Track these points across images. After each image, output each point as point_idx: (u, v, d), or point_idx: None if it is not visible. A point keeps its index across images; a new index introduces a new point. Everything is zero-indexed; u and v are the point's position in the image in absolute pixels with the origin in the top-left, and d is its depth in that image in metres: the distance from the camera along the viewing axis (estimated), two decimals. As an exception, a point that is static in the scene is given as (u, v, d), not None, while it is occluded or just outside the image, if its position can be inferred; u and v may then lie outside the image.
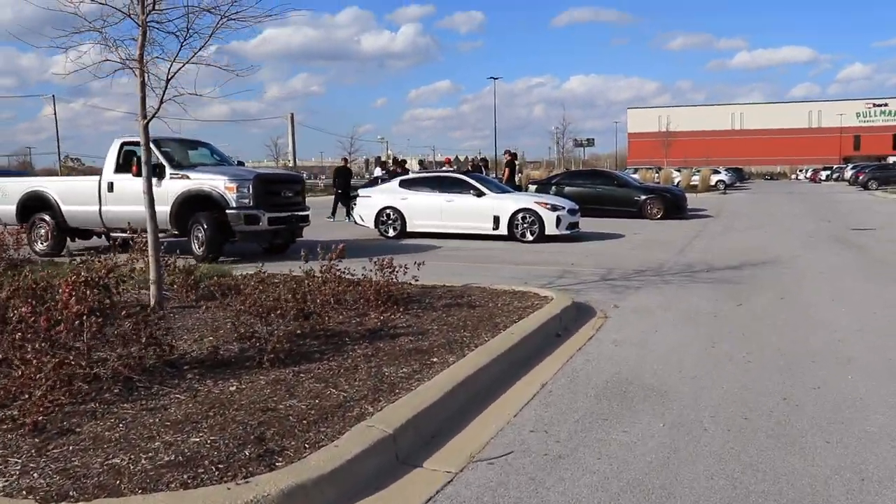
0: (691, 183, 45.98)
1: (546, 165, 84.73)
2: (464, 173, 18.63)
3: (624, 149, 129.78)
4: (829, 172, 78.55)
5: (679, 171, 52.03)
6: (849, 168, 67.46)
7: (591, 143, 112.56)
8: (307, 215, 14.86)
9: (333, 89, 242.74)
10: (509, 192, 18.68)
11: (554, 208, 16.79)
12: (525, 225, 16.79)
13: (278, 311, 6.27)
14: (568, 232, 16.94)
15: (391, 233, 18.04)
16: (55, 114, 67.98)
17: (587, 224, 21.00)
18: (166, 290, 8.48)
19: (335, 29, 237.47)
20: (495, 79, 79.85)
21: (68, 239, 15.64)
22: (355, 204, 19.61)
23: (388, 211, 18.11)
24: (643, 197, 24.13)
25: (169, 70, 7.34)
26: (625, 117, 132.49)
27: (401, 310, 7.68)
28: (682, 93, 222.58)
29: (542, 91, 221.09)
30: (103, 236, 15.23)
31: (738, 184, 64.47)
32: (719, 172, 55.30)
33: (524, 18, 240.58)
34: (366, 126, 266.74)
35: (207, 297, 8.62)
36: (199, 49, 7.29)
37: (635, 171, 52.00)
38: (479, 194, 17.30)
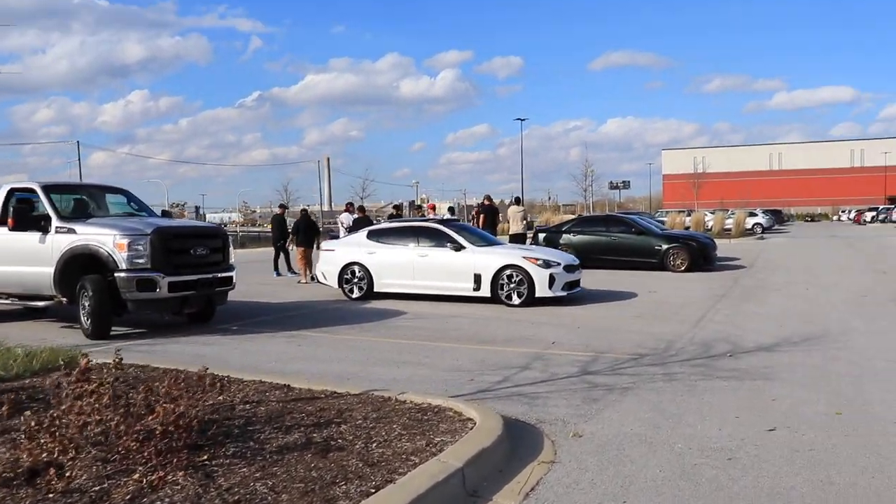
0: (725, 227, 42.50)
1: (581, 209, 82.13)
2: (441, 222, 15.65)
3: (659, 191, 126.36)
4: (874, 213, 74.50)
5: (713, 213, 48.53)
6: (896, 209, 63.52)
7: (626, 185, 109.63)
8: (230, 277, 11.96)
9: (372, 134, 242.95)
10: (499, 244, 15.66)
11: (546, 264, 13.72)
12: (511, 285, 13.73)
13: None
14: (564, 293, 13.83)
15: (356, 293, 15.09)
16: (79, 160, 67.42)
17: (599, 279, 17.95)
18: None
19: (375, 74, 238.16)
20: (522, 120, 78.23)
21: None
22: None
23: (353, 267, 15.18)
24: (665, 246, 20.92)
25: None
26: (660, 159, 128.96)
27: (203, 457, 4.66)
28: (720, 134, 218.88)
29: (578, 134, 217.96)
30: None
31: (776, 227, 60.71)
32: (756, 215, 51.82)
33: (561, 63, 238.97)
34: (402, 170, 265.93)
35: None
36: None
37: (666, 213, 48.63)
38: (458, 248, 14.30)
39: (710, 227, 41.81)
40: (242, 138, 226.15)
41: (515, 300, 13.64)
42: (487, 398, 6.77)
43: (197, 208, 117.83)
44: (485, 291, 13.94)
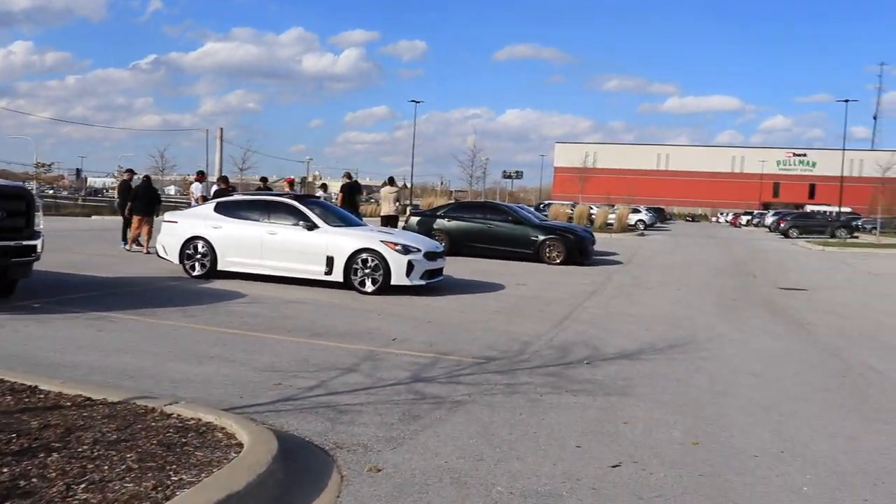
0: (608, 221, 42.55)
1: (472, 195, 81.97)
2: (297, 198, 14.20)
3: (550, 183, 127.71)
4: (749, 217, 77.10)
5: (598, 207, 48.70)
6: (770, 214, 65.83)
7: (519, 175, 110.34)
8: (33, 246, 10.23)
9: (270, 107, 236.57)
10: (359, 226, 14.34)
11: (406, 250, 12.55)
12: (366, 270, 12.50)
13: None
14: (422, 282, 12.70)
15: (197, 271, 13.52)
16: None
17: (470, 267, 17.01)
18: None
19: (278, 47, 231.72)
20: (417, 102, 76.29)
21: None
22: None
23: (196, 242, 13.58)
24: (542, 237, 20.13)
25: None
26: (553, 152, 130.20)
27: None
28: (613, 132, 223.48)
29: (477, 122, 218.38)
30: None
31: (658, 224, 61.75)
32: (639, 211, 52.34)
33: (466, 50, 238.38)
34: (298, 146, 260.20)
35: None
36: None
37: (546, 205, 48.36)
38: (311, 227, 12.96)
39: (592, 220, 41.76)
40: (134, 102, 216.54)
41: (369, 287, 12.43)
42: (286, 410, 5.53)
43: (78, 171, 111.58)
44: (337, 276, 12.67)
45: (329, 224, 13.15)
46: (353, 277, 12.55)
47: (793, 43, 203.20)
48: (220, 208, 13.96)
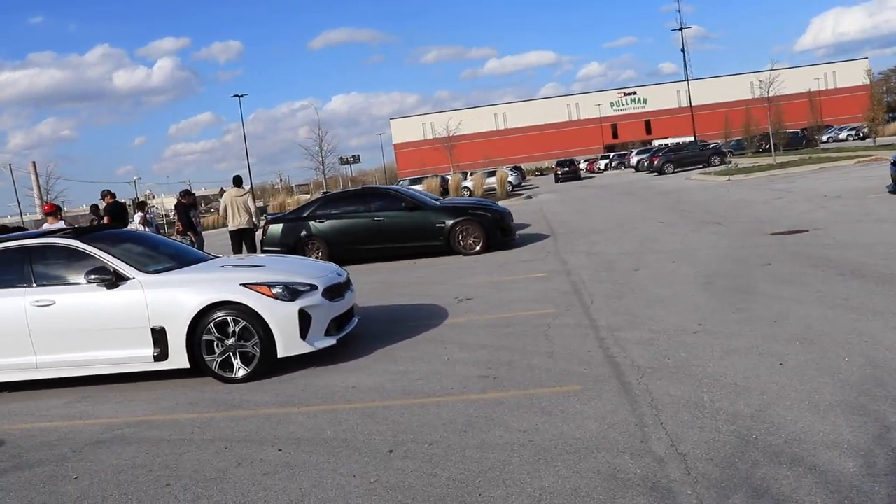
0: (485, 187, 37.89)
1: (314, 187, 76.26)
2: (77, 233, 8.17)
3: (392, 161, 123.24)
4: (607, 161, 75.42)
5: (470, 174, 44.05)
6: (634, 154, 63.80)
7: (356, 159, 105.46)
8: None
9: (86, 132, 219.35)
10: (201, 262, 8.59)
11: (290, 292, 7.10)
12: (228, 342, 6.98)
13: None
14: (332, 341, 7.32)
15: (-74, 391, 7.58)
16: None
17: (369, 283, 11.69)
18: None
19: (85, 68, 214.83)
20: (240, 96, 69.15)
21: None
22: None
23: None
24: (450, 222, 14.97)
25: None
26: (389, 130, 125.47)
27: None
28: (441, 102, 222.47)
29: (305, 114, 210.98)
30: None
31: (523, 183, 58.00)
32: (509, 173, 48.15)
33: (281, 44, 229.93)
34: (125, 167, 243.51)
35: None
36: None
37: (414, 182, 43.34)
38: (112, 280, 7.24)
39: (468, 191, 37.08)
40: None
41: (239, 371, 6.95)
42: None
43: None
44: (178, 360, 7.06)
45: (143, 271, 7.46)
46: (206, 357, 6.99)
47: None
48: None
